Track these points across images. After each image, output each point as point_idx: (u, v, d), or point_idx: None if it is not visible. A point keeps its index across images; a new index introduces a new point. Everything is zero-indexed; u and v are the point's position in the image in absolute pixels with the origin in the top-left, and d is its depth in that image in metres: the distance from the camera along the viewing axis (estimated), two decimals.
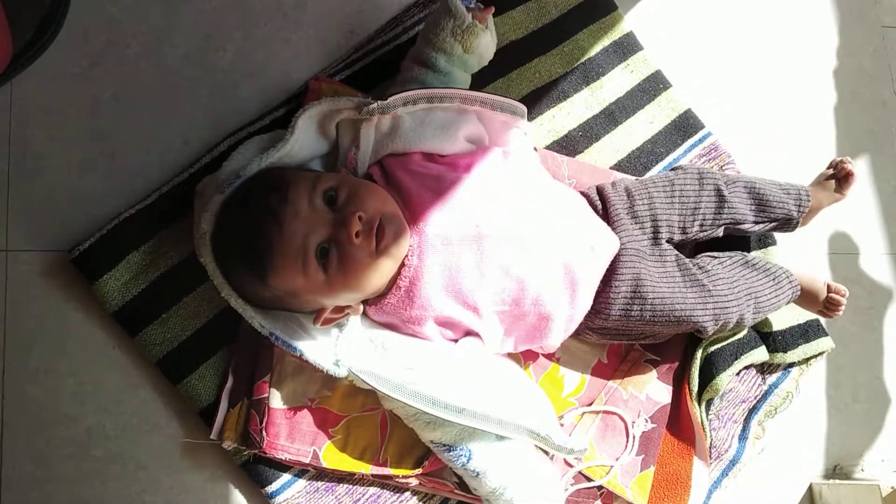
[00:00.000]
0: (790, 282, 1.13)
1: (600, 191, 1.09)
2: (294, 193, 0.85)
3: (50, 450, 0.99)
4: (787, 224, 1.15)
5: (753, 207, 1.12)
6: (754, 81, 1.41)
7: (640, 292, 1.01)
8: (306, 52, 1.15)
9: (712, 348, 1.15)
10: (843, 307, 1.16)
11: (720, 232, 1.11)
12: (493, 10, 1.05)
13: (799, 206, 1.14)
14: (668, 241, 1.08)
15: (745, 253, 1.16)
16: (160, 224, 1.02)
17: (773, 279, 1.11)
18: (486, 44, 1.05)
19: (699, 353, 1.14)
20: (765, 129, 1.39)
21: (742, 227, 1.12)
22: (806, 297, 1.17)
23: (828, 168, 1.25)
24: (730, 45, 1.40)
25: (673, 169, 1.14)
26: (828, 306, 1.16)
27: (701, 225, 1.09)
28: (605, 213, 1.06)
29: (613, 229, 1.04)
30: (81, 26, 1.06)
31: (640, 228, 1.06)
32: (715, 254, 1.13)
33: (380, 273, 0.88)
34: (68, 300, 1.01)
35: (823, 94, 1.45)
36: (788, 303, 1.16)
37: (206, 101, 1.09)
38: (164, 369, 1.01)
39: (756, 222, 1.13)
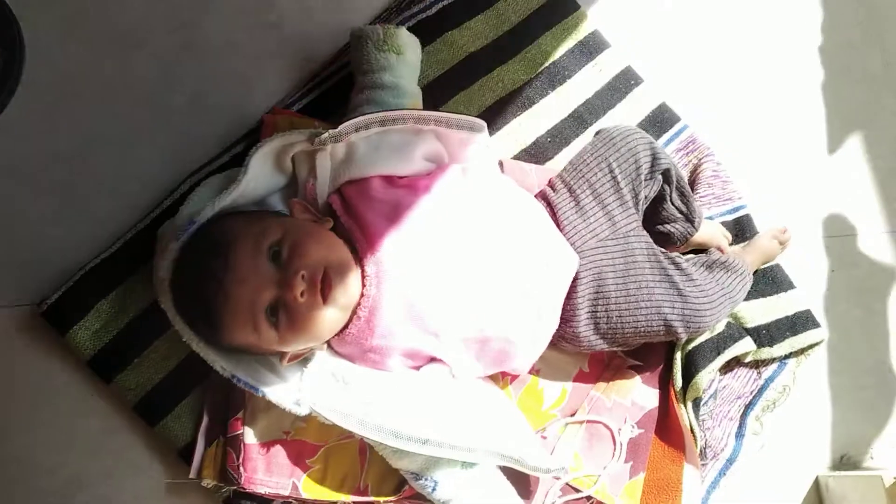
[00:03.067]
0: (747, 272, 1.13)
1: (545, 197, 1.07)
2: (237, 257, 0.84)
3: (35, 500, 1.02)
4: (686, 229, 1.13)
5: (677, 190, 1.11)
6: (734, 66, 1.36)
7: (601, 291, 1.00)
8: (262, 86, 1.15)
9: (691, 346, 1.13)
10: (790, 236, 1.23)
11: (656, 188, 1.08)
12: None
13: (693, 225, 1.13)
14: (630, 217, 1.05)
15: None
16: (126, 271, 1.04)
17: (739, 275, 1.10)
18: (406, 36, 1.07)
19: (678, 353, 1.13)
20: (749, 116, 1.35)
21: (663, 205, 1.11)
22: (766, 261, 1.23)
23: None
24: (706, 30, 1.36)
25: (597, 133, 1.11)
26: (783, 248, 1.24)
27: (646, 179, 1.06)
28: (555, 221, 1.05)
29: (567, 236, 1.03)
30: (36, 81, 1.08)
31: (594, 222, 1.04)
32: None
33: (330, 322, 0.89)
34: (43, 352, 1.04)
35: (809, 72, 1.40)
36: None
37: (164, 144, 1.11)
38: (142, 412, 1.04)
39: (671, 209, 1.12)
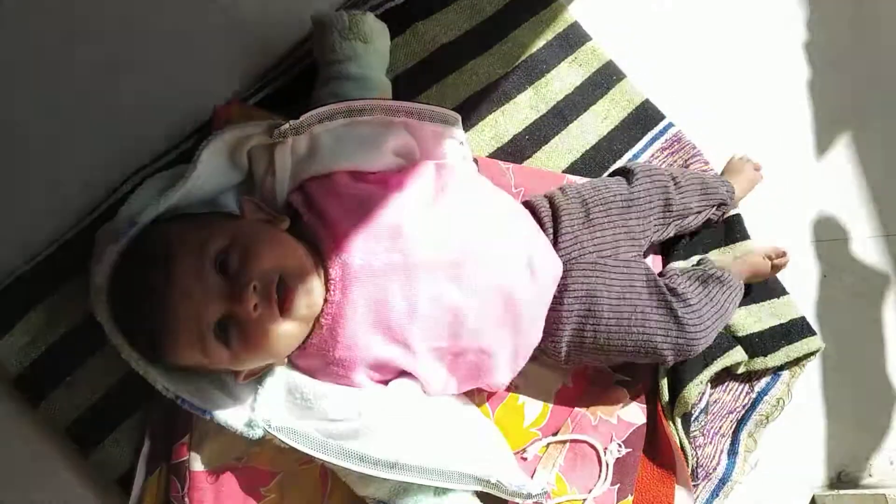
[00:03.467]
0: (739, 286, 1.08)
1: (550, 199, 1.02)
2: (180, 267, 0.76)
3: None
4: (723, 206, 1.13)
5: (699, 194, 1.08)
6: (719, 63, 1.33)
7: (593, 310, 0.94)
8: (215, 77, 1.09)
9: None
10: (788, 261, 1.16)
11: (671, 231, 1.07)
12: None
13: (727, 191, 1.13)
14: (633, 251, 1.01)
15: (702, 256, 1.12)
16: (60, 278, 0.97)
17: (732, 290, 1.05)
18: (373, 22, 1.02)
19: (663, 366, 1.07)
20: (735, 115, 1.31)
21: (687, 220, 1.08)
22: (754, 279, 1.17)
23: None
24: (691, 24, 1.33)
25: (616, 171, 1.07)
26: (776, 271, 1.17)
27: (656, 226, 1.03)
28: (556, 225, 0.99)
29: (563, 242, 0.97)
30: None
31: (599, 236, 0.99)
32: (679, 268, 1.06)
33: (290, 337, 0.81)
34: None
35: (797, 69, 1.36)
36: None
37: (106, 140, 1.04)
38: (75, 437, 0.96)
39: (699, 211, 1.08)
